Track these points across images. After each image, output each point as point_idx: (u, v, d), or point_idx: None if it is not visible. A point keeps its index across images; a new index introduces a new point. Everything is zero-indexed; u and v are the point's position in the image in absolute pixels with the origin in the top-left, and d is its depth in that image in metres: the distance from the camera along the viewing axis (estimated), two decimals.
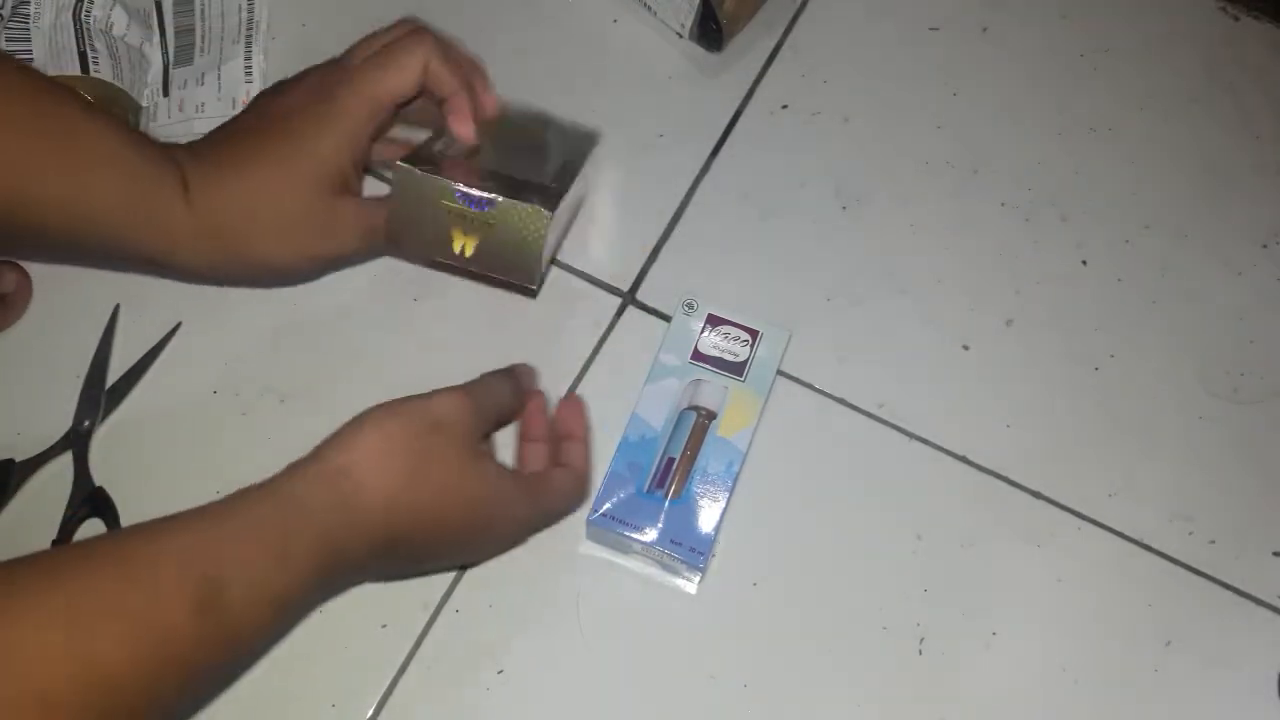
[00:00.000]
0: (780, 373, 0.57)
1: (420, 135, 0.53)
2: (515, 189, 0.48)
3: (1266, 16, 0.67)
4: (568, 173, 0.52)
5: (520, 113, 0.56)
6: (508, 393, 0.50)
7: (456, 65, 0.51)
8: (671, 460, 0.52)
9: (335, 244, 0.51)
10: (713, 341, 0.54)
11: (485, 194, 0.47)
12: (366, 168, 0.53)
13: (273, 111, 0.50)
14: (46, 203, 0.45)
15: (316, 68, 0.52)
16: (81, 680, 0.35)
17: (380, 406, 0.44)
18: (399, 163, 0.48)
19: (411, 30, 0.51)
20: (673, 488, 0.52)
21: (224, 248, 0.49)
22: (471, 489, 0.45)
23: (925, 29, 0.66)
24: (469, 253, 0.47)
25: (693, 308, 0.54)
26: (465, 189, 0.47)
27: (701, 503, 0.51)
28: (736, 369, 0.53)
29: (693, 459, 0.52)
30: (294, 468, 0.43)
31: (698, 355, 0.54)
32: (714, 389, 0.53)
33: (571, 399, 0.54)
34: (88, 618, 0.36)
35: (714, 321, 0.54)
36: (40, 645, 0.35)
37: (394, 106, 0.50)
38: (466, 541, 0.48)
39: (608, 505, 0.51)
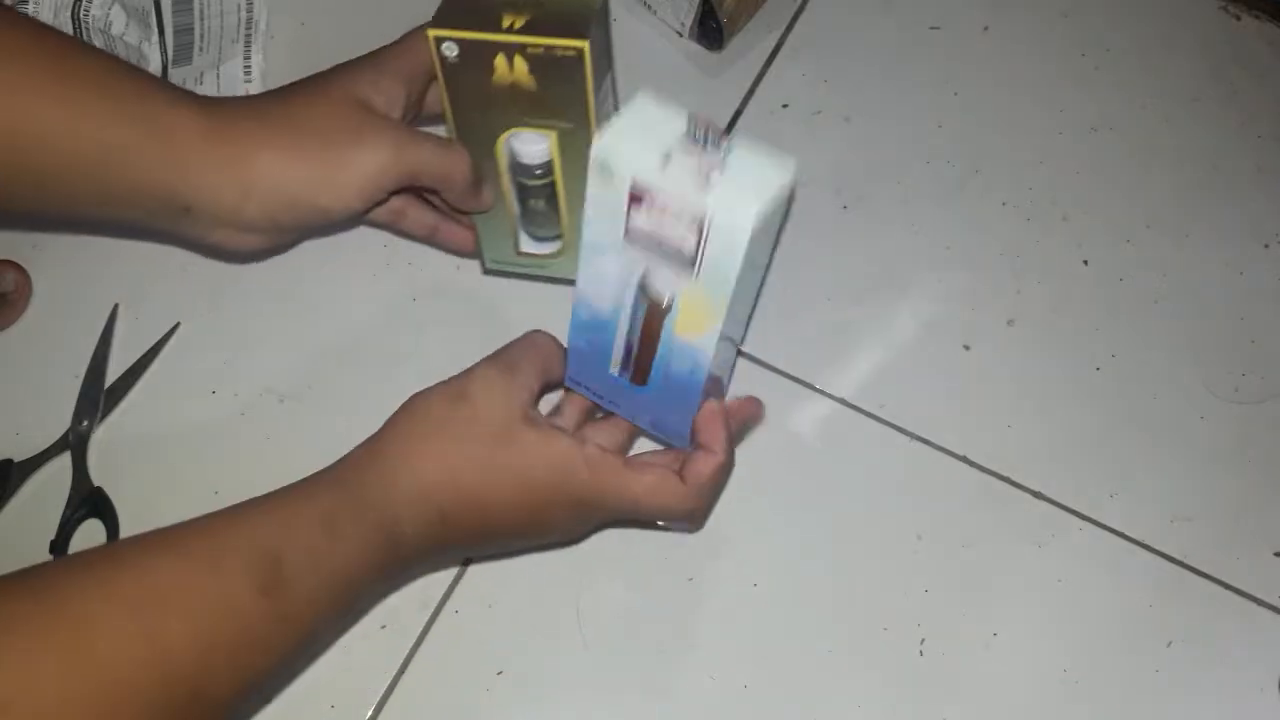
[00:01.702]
0: (781, 372, 0.56)
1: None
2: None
3: (1267, 16, 0.67)
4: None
5: None
6: (551, 348, 0.47)
7: None
8: (631, 345, 0.46)
9: (360, 153, 0.45)
10: (645, 222, 0.41)
11: None
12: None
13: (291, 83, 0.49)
14: (46, 133, 0.43)
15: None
16: (153, 664, 0.35)
17: (417, 393, 0.44)
18: None
19: None
20: (633, 374, 0.46)
21: (238, 158, 0.44)
22: (519, 460, 0.43)
23: (926, 28, 0.66)
24: (518, 25, 0.44)
25: (608, 169, 0.40)
26: None
27: (671, 399, 0.46)
28: (684, 262, 0.41)
29: (651, 350, 0.45)
30: (344, 457, 0.43)
31: (633, 234, 0.42)
32: (662, 278, 0.43)
33: (746, 401, 0.49)
34: (156, 602, 0.36)
35: (636, 199, 0.41)
36: (112, 630, 0.35)
37: (426, 71, 0.48)
38: (528, 519, 0.44)
39: (580, 380, 0.48)
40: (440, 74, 0.46)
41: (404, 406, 0.44)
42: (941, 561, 0.53)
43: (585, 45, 0.44)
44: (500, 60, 0.45)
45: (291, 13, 0.63)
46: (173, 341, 0.56)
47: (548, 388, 0.47)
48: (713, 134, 0.40)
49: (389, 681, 0.50)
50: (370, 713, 0.50)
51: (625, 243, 0.42)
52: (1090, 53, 0.65)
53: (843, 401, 0.56)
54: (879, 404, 0.56)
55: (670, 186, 0.39)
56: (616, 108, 0.51)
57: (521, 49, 0.44)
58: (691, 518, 0.47)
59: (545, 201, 0.51)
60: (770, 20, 0.64)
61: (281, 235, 0.49)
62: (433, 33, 0.44)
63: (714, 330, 0.43)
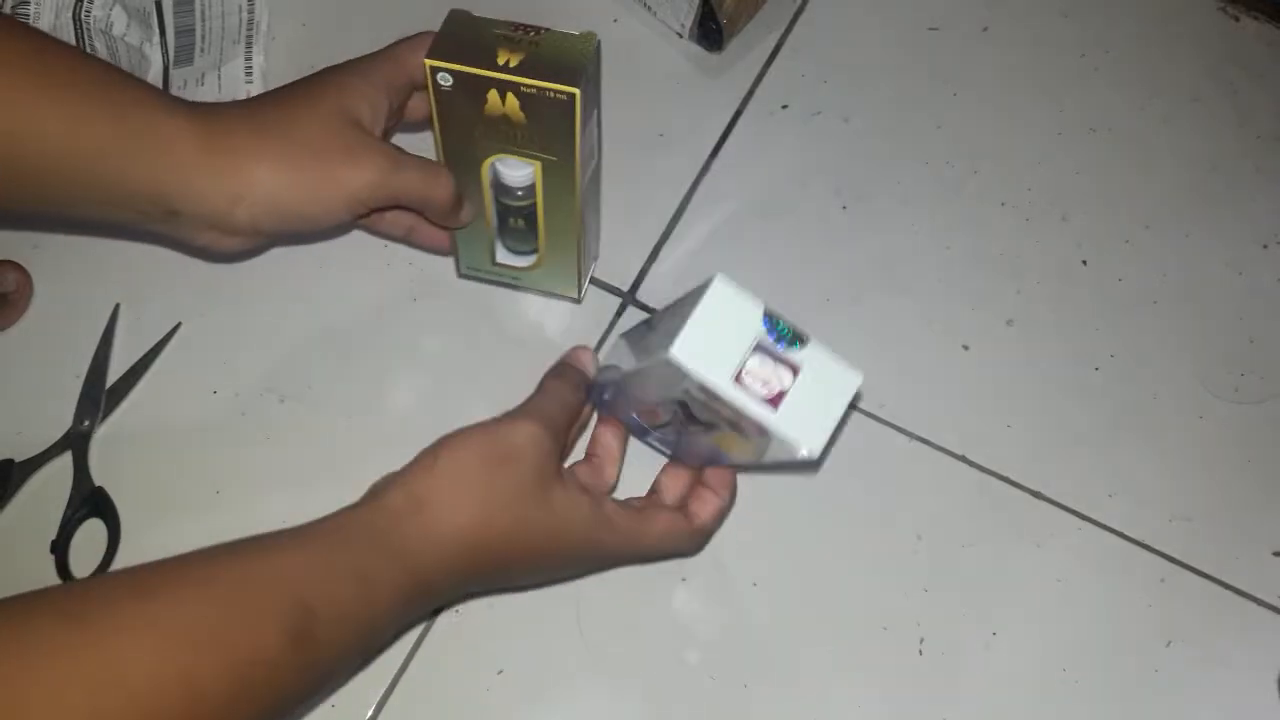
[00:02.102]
0: None
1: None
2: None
3: (1266, 16, 0.67)
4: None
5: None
6: (572, 395, 0.48)
7: None
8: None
9: (350, 172, 0.47)
10: (703, 410, 0.41)
11: (532, 31, 0.46)
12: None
13: (285, 85, 0.49)
14: (44, 138, 0.43)
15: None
16: (184, 701, 0.35)
17: (455, 435, 0.44)
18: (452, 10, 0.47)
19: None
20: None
21: (232, 169, 0.45)
22: (550, 521, 0.44)
23: (925, 29, 0.66)
24: (513, 64, 0.45)
25: (680, 372, 0.39)
26: (512, 25, 0.46)
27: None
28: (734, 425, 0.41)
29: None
30: (376, 496, 0.43)
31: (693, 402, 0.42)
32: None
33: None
34: (189, 639, 0.36)
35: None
36: (144, 662, 0.35)
37: (410, 81, 0.50)
38: (548, 568, 0.48)
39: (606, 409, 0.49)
40: (432, 99, 0.47)
41: (444, 449, 0.43)
42: (941, 561, 0.53)
43: (577, 93, 0.45)
44: (493, 94, 0.46)
45: (292, 14, 0.63)
46: (174, 341, 0.56)
47: (571, 432, 0.48)
48: (791, 335, 0.39)
49: (389, 681, 0.50)
50: (370, 712, 0.50)
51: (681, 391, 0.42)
52: (1089, 53, 0.65)
53: None
54: (878, 404, 0.56)
55: (740, 402, 0.38)
56: (600, 142, 0.52)
57: (515, 87, 0.45)
58: (694, 551, 0.51)
59: (525, 221, 0.52)
60: (770, 21, 0.65)
61: (265, 239, 0.51)
62: (429, 63, 0.45)
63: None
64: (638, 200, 0.60)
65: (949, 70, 0.65)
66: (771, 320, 0.38)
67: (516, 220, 0.52)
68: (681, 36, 0.64)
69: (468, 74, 0.45)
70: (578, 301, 0.57)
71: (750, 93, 0.63)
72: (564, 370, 0.49)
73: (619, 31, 0.64)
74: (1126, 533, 0.54)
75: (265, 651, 0.37)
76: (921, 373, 0.57)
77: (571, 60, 0.45)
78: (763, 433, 0.39)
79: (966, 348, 0.58)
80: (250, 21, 0.61)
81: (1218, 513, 0.55)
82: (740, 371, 0.38)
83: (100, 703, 0.34)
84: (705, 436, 0.45)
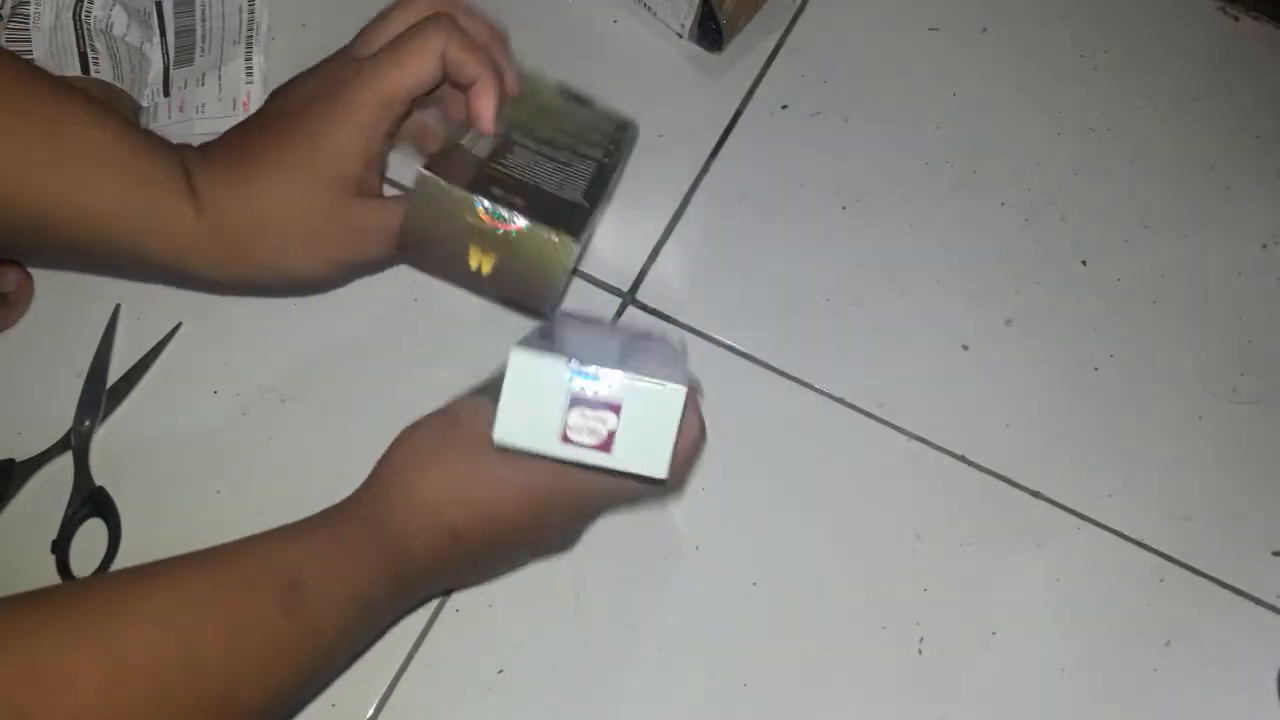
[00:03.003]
0: (780, 372, 0.57)
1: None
2: (543, 206, 0.46)
3: (1266, 17, 0.67)
4: (601, 180, 0.50)
5: (550, 88, 0.54)
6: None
7: (476, 50, 0.47)
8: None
9: (354, 250, 0.48)
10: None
11: (510, 211, 0.45)
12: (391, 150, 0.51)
13: (283, 110, 0.48)
14: (43, 201, 0.44)
15: (330, 59, 0.49)
16: (188, 671, 0.36)
17: (409, 425, 0.46)
18: (422, 170, 0.45)
19: (430, 15, 0.47)
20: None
21: (236, 255, 0.47)
22: (516, 469, 0.43)
23: (925, 29, 0.66)
24: (485, 270, 0.45)
25: (510, 449, 0.41)
26: (490, 205, 0.45)
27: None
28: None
29: None
30: (353, 494, 0.45)
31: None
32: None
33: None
34: (188, 614, 0.37)
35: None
36: (147, 637, 0.36)
37: (409, 101, 0.47)
38: (531, 525, 0.45)
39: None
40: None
41: (397, 441, 0.45)
42: (940, 561, 0.53)
43: (539, 331, 0.45)
44: (474, 251, 0.46)
45: (293, 14, 0.63)
46: (174, 342, 0.56)
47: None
48: (598, 376, 0.40)
49: (389, 681, 0.50)
50: (370, 712, 0.50)
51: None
52: (1088, 54, 0.65)
53: (841, 401, 0.56)
54: (878, 403, 0.56)
55: (574, 456, 0.40)
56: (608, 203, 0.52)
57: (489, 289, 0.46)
58: (673, 488, 0.51)
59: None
60: (770, 21, 0.65)
61: (287, 294, 0.56)
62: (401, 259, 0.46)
63: None
64: (638, 200, 0.60)
65: (948, 70, 0.65)
66: (579, 370, 0.40)
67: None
68: (681, 37, 0.64)
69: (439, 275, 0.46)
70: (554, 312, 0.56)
71: (750, 93, 0.63)
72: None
73: (618, 32, 0.64)
74: (1126, 532, 0.54)
75: (260, 618, 0.39)
76: (921, 372, 0.57)
77: (546, 277, 0.45)
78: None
79: (966, 348, 0.58)
80: (251, 22, 0.61)
81: (1217, 512, 0.55)
82: (564, 431, 0.40)
83: (106, 675, 0.34)
84: None
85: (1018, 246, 0.60)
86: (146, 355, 0.55)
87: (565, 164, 0.50)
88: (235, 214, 0.46)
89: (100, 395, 0.54)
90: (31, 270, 0.56)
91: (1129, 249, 0.61)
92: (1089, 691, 0.51)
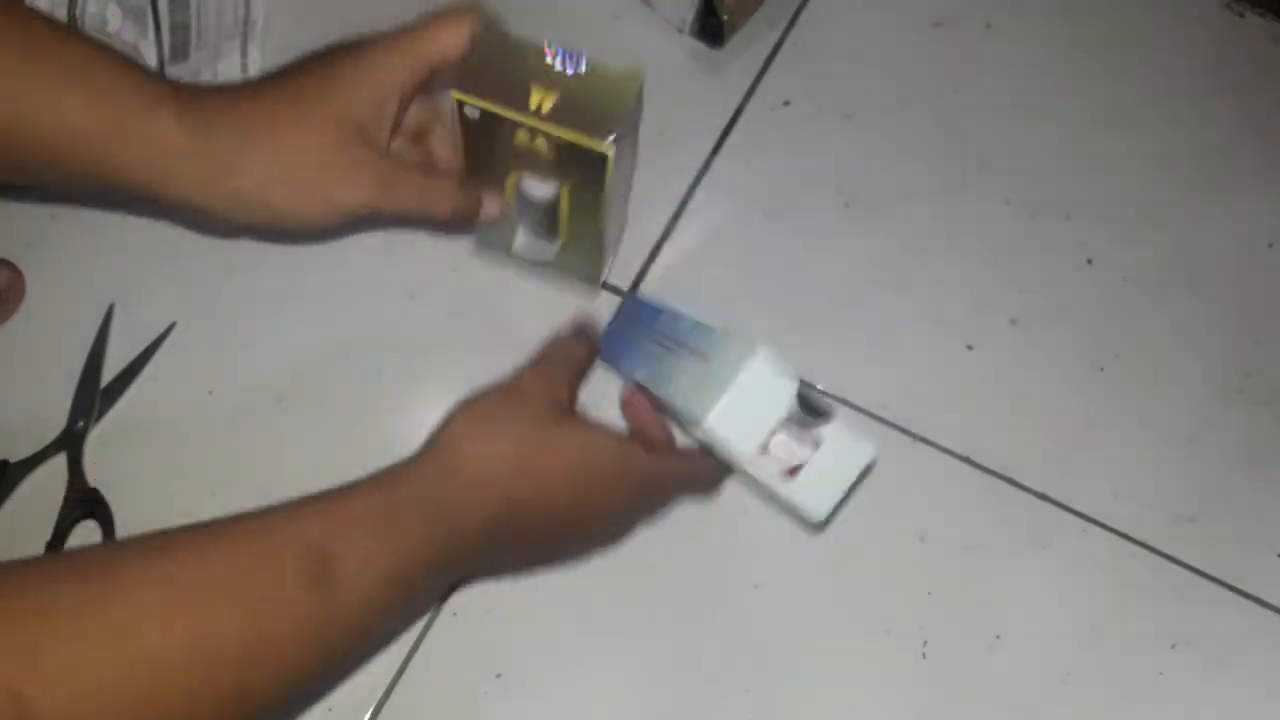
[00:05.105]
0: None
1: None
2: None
3: (1271, 14, 0.66)
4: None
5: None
6: (574, 345, 0.49)
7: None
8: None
9: (342, 190, 0.46)
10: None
11: (577, 56, 0.44)
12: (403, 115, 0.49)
13: (305, 58, 0.47)
14: (13, 116, 0.42)
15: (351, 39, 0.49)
16: (200, 653, 0.35)
17: (466, 396, 0.45)
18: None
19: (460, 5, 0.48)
20: None
21: (217, 179, 0.45)
22: (579, 439, 0.44)
23: (928, 25, 0.65)
24: (546, 108, 0.43)
25: (710, 443, 0.42)
26: (559, 47, 0.44)
27: None
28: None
29: None
30: (393, 464, 0.43)
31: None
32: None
33: None
34: (206, 593, 0.36)
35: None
36: (160, 617, 0.35)
37: (431, 69, 0.46)
38: (586, 504, 0.45)
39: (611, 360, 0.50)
40: (458, 124, 0.45)
41: (457, 410, 0.44)
42: (944, 563, 0.53)
43: (610, 152, 0.43)
44: (522, 134, 0.44)
45: (288, 9, 0.63)
46: (169, 341, 0.56)
47: (578, 382, 0.49)
48: (818, 410, 0.41)
49: (389, 682, 0.50)
50: (370, 713, 0.49)
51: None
52: (1093, 50, 0.65)
53: (844, 401, 0.56)
54: (881, 404, 0.56)
55: (759, 473, 0.41)
56: (636, 151, 0.50)
57: (547, 134, 0.44)
58: (716, 487, 0.51)
59: (545, 221, 0.52)
60: (771, 17, 0.64)
61: (254, 231, 0.52)
62: (457, 96, 0.44)
63: None
64: (639, 198, 0.59)
65: (952, 67, 0.64)
66: (802, 398, 0.41)
67: (535, 220, 0.52)
68: (682, 32, 0.63)
69: (497, 114, 0.44)
70: (595, 293, 0.56)
71: (751, 89, 0.63)
72: (569, 331, 0.50)
73: (619, 28, 0.64)
74: (1131, 534, 0.54)
75: (282, 597, 0.37)
76: (924, 372, 0.57)
77: (609, 106, 0.43)
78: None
79: (970, 347, 0.58)
80: (246, 18, 0.61)
81: (1223, 514, 0.54)
82: (767, 444, 0.40)
83: (115, 655, 0.34)
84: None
85: (1022, 245, 0.60)
86: (140, 355, 0.55)
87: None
88: (224, 135, 0.45)
89: (94, 395, 0.54)
90: (24, 268, 0.56)
91: (1134, 247, 0.60)
92: (1094, 695, 0.51)
